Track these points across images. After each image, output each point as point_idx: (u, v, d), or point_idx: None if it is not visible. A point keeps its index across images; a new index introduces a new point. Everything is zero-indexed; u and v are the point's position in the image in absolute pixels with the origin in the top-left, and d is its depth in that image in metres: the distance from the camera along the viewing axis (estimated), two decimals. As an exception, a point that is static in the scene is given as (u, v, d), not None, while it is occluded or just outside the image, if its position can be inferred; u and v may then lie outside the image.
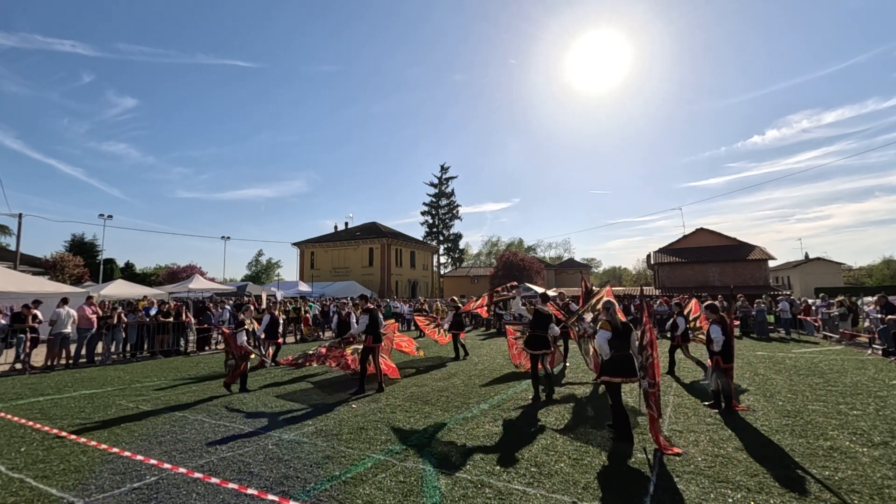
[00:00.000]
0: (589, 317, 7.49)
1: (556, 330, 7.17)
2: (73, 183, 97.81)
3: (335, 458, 4.46)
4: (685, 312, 9.34)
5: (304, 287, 33.03)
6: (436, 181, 58.50)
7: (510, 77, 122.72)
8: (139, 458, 4.51)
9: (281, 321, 11.57)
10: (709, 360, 6.39)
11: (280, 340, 11.11)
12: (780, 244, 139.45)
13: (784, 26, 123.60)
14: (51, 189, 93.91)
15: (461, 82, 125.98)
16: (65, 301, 11.26)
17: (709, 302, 6.81)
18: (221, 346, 14.71)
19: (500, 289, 11.61)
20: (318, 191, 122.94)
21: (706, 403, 6.41)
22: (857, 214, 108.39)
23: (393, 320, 11.74)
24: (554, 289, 42.20)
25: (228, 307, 16.15)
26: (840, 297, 16.86)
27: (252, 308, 8.94)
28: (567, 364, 10.14)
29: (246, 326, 8.00)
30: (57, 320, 10.78)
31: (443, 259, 59.19)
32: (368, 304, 8.21)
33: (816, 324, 16.59)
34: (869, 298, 15.15)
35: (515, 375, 9.01)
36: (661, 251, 39.33)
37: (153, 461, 4.41)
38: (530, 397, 6.93)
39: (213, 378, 9.17)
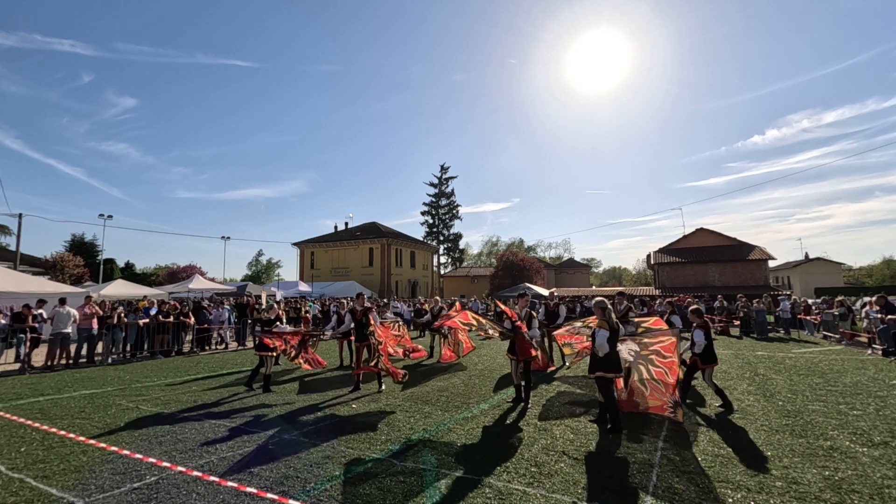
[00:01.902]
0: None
1: (536, 333, 6.99)
2: (73, 183, 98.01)
3: (335, 458, 4.46)
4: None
5: (304, 287, 33.06)
6: (436, 181, 58.45)
7: (510, 77, 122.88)
8: (139, 457, 4.52)
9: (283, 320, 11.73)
10: (688, 360, 6.59)
11: None
12: (780, 244, 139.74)
13: (784, 26, 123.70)
14: (51, 189, 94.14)
15: (461, 82, 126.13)
16: (62, 301, 11.25)
17: (694, 306, 7.02)
18: (221, 347, 14.77)
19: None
20: (318, 191, 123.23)
21: (718, 405, 6.35)
22: (857, 214, 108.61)
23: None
24: (553, 289, 42.19)
25: (227, 308, 16.14)
26: (840, 297, 16.87)
27: (275, 306, 9.11)
28: (567, 364, 10.14)
29: (278, 322, 8.32)
30: (57, 319, 10.78)
31: (443, 259, 59.15)
32: (367, 304, 8.25)
33: (816, 322, 16.60)
34: (868, 298, 15.14)
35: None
36: (661, 251, 39.33)
37: (153, 461, 4.41)
38: (511, 400, 6.85)
39: (213, 378, 9.17)
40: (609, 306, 5.56)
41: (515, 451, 4.67)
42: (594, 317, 7.62)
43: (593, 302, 5.79)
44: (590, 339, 6.01)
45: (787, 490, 3.66)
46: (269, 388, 7.80)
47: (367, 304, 8.29)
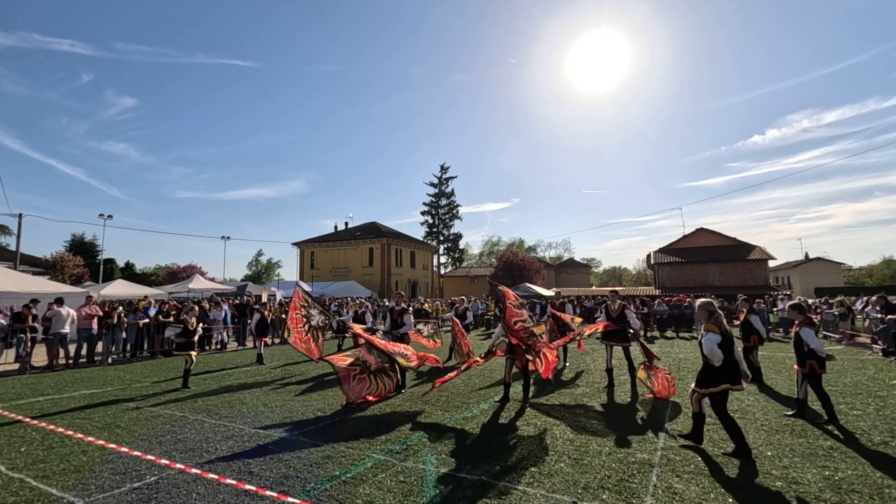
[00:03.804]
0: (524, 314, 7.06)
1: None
2: (73, 183, 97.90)
3: (335, 458, 4.46)
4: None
5: (304, 287, 33.02)
6: (436, 181, 58.51)
7: (510, 77, 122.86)
8: (139, 456, 4.52)
9: (269, 320, 11.96)
10: (796, 366, 5.75)
11: (267, 339, 11.21)
12: (780, 244, 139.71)
13: (784, 26, 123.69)
14: (51, 189, 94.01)
15: (461, 82, 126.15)
16: (60, 301, 11.22)
17: (794, 301, 5.98)
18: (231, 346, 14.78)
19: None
20: (318, 191, 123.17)
21: (789, 414, 5.78)
22: (857, 214, 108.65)
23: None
24: (553, 288, 42.23)
25: (226, 308, 16.14)
26: (840, 297, 16.88)
27: (196, 308, 9.17)
28: (567, 364, 10.14)
29: (190, 326, 8.38)
30: (55, 319, 10.78)
31: (443, 259, 59.17)
32: (403, 304, 8.29)
33: (816, 322, 16.60)
34: (866, 299, 15.15)
35: (515, 376, 8.98)
36: (662, 251, 39.35)
37: (153, 459, 4.41)
38: (497, 399, 6.92)
39: (213, 378, 9.17)
40: (717, 309, 4.73)
41: (515, 451, 4.67)
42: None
43: (697, 303, 4.94)
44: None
45: (787, 490, 3.65)
46: (188, 384, 8.20)
47: (404, 305, 8.31)
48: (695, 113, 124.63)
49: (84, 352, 11.42)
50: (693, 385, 4.72)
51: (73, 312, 11.13)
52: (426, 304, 23.77)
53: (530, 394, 7.13)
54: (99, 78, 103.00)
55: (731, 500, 3.50)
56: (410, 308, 9.34)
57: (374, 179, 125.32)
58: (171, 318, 13.04)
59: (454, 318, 11.18)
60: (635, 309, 20.46)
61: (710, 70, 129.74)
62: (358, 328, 7.99)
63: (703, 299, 5.02)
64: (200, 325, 8.95)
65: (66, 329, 10.95)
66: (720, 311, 4.71)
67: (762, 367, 8.41)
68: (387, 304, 24.62)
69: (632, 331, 7.73)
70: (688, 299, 21.10)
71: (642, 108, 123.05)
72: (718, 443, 4.81)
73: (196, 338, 8.46)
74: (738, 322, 18.53)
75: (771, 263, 37.36)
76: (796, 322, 5.70)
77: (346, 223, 51.47)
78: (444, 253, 59.09)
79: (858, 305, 16.59)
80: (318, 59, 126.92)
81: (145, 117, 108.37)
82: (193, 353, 8.37)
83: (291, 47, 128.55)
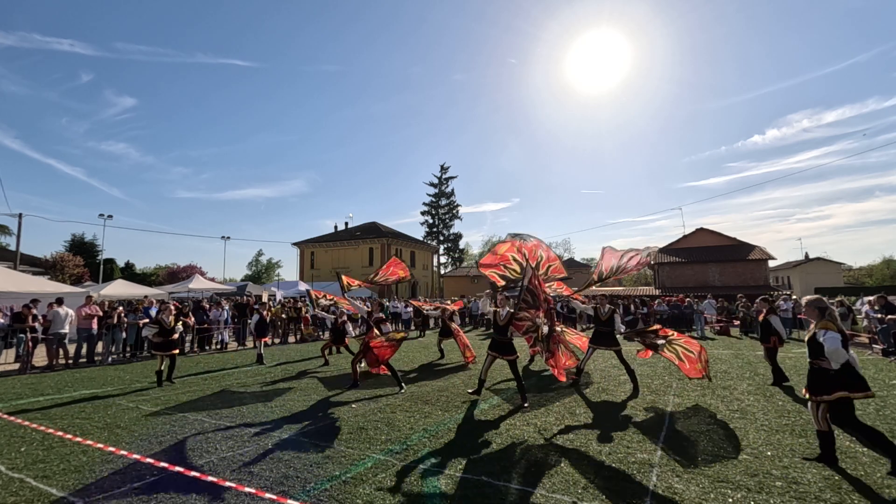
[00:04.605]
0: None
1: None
2: (73, 183, 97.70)
3: (335, 458, 4.46)
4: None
5: (304, 287, 33.04)
6: (436, 181, 58.44)
7: (510, 77, 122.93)
8: (139, 457, 4.52)
9: (269, 320, 12.02)
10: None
11: (267, 339, 11.23)
12: (780, 244, 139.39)
13: (784, 26, 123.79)
14: (51, 189, 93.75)
15: (461, 82, 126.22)
16: (59, 301, 11.22)
17: (810, 297, 5.86)
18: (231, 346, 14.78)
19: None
20: (318, 191, 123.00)
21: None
22: (857, 214, 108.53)
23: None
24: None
25: (227, 308, 16.16)
26: (840, 297, 16.86)
27: (171, 308, 9.16)
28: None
29: (167, 325, 8.49)
30: (54, 320, 10.77)
31: (443, 259, 59.12)
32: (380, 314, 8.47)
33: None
34: (867, 298, 15.14)
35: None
36: (662, 251, 39.33)
37: (153, 461, 4.41)
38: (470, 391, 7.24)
39: (213, 378, 9.17)
40: (829, 306, 4.27)
41: (515, 451, 4.67)
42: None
43: (804, 300, 4.49)
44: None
45: (787, 490, 3.66)
46: (165, 381, 8.43)
47: (381, 315, 8.50)
48: (695, 113, 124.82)
49: (84, 352, 11.41)
50: (804, 391, 4.33)
51: (71, 312, 11.12)
52: (426, 304, 23.76)
53: (529, 394, 7.13)
54: (99, 78, 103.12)
55: (731, 500, 3.50)
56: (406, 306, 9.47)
57: (374, 179, 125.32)
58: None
59: (445, 319, 11.29)
60: (635, 308, 20.51)
61: (710, 70, 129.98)
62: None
63: (810, 296, 4.50)
64: (180, 323, 8.89)
65: (65, 329, 10.94)
66: (832, 308, 4.29)
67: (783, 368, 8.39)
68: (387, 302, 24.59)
69: (619, 334, 8.00)
70: (687, 299, 21.09)
71: (642, 108, 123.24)
72: (718, 443, 4.81)
73: (176, 336, 8.43)
74: (737, 322, 18.54)
75: (771, 263, 37.37)
76: (814, 323, 5.50)
77: (346, 223, 51.49)
78: (444, 253, 59.03)
79: (858, 305, 16.59)
80: (318, 59, 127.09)
81: (145, 117, 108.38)
82: (175, 352, 8.42)
83: (291, 47, 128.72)
